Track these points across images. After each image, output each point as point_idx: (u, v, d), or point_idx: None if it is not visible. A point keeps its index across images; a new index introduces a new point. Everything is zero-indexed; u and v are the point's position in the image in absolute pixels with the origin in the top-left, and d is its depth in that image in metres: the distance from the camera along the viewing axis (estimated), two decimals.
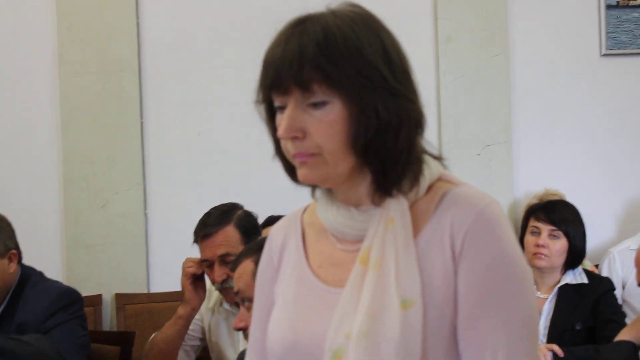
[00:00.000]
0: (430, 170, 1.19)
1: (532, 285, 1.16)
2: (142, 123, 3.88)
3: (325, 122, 1.11)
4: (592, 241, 3.45)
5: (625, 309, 3.20)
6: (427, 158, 1.19)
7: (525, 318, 1.11)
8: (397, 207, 1.15)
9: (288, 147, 1.14)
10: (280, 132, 1.13)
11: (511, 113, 4.02)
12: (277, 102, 1.14)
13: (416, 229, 1.15)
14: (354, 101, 1.11)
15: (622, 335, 2.25)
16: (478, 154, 3.96)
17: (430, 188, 1.18)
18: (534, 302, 1.15)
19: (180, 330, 2.60)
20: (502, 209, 1.16)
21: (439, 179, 1.19)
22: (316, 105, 1.11)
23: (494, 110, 4.00)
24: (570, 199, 3.17)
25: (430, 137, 1.20)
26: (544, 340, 2.77)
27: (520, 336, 1.10)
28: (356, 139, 1.11)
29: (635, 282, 2.22)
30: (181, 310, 2.60)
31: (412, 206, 1.16)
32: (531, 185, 3.90)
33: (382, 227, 1.14)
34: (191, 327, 2.66)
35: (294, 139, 1.12)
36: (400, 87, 1.14)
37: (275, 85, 1.12)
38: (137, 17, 3.88)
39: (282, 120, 1.13)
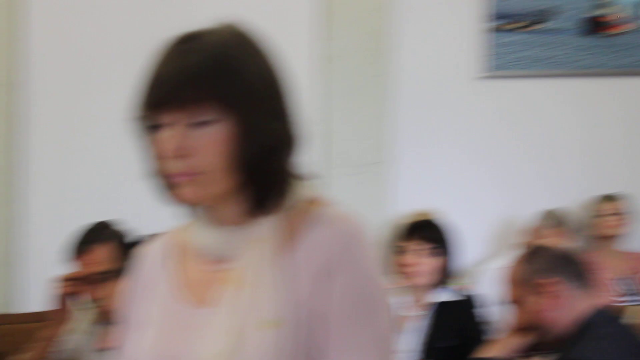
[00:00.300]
0: (302, 190, 1.20)
1: (387, 303, 1.20)
2: (19, 138, 3.77)
3: (212, 141, 1.10)
4: (466, 259, 3.55)
5: (495, 325, 3.29)
6: (299, 178, 1.20)
7: (387, 334, 1.16)
8: (267, 227, 1.16)
9: (169, 165, 1.12)
10: (168, 150, 1.10)
11: (389, 133, 4.09)
12: (161, 120, 1.11)
13: (285, 248, 1.15)
14: (241, 121, 1.11)
15: (488, 351, 2.33)
16: (354, 174, 4.01)
17: (300, 208, 1.19)
18: (389, 319, 1.19)
19: (43, 352, 2.53)
20: (366, 229, 1.18)
21: (310, 199, 1.20)
22: (202, 124, 1.10)
23: (371, 130, 4.06)
24: (445, 217, 3.25)
25: (306, 157, 1.21)
26: (420, 357, 2.83)
27: (386, 351, 1.14)
28: (242, 158, 1.11)
29: (503, 300, 2.30)
30: (45, 331, 2.53)
31: (282, 226, 1.16)
32: (407, 204, 3.97)
33: (251, 246, 1.15)
34: (58, 347, 2.58)
35: (179, 157, 1.10)
36: (281, 108, 1.15)
37: (162, 103, 1.10)
38: (20, 31, 3.77)
39: (167, 138, 1.10)
